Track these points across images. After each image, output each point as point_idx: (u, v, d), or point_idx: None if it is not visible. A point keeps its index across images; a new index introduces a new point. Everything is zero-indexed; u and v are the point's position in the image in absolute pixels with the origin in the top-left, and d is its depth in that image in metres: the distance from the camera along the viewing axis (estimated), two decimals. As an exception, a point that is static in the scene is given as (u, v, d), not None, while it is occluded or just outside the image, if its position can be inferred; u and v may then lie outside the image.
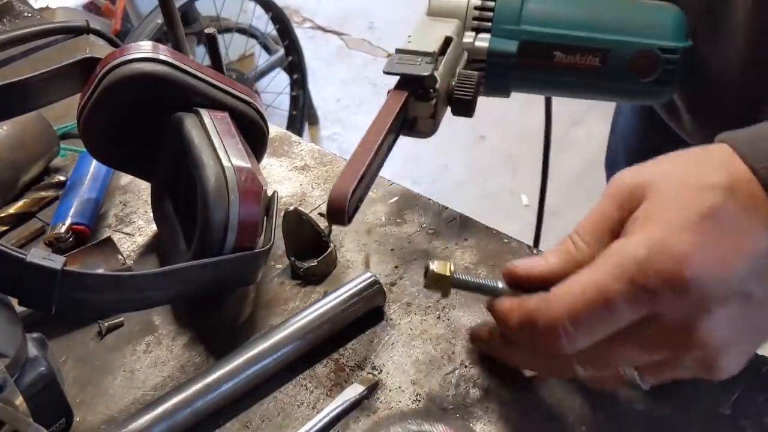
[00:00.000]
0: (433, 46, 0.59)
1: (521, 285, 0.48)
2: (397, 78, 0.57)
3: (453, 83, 0.59)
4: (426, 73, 0.55)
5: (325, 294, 0.58)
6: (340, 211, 0.47)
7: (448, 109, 0.60)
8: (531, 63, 0.63)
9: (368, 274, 0.57)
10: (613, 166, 0.99)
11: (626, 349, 0.43)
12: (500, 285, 0.49)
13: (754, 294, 0.42)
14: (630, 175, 0.45)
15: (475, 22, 0.63)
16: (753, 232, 0.41)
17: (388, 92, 0.57)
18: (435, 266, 0.49)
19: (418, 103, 0.57)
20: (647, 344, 0.43)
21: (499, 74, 0.64)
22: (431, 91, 0.56)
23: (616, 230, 0.45)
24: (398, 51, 0.59)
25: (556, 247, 0.47)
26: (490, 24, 0.63)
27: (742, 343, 0.43)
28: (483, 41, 0.63)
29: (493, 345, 0.53)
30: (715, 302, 0.41)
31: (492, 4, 0.63)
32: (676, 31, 0.61)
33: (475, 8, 0.63)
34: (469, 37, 0.63)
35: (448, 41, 0.61)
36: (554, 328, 0.43)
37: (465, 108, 0.59)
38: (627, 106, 0.92)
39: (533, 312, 0.44)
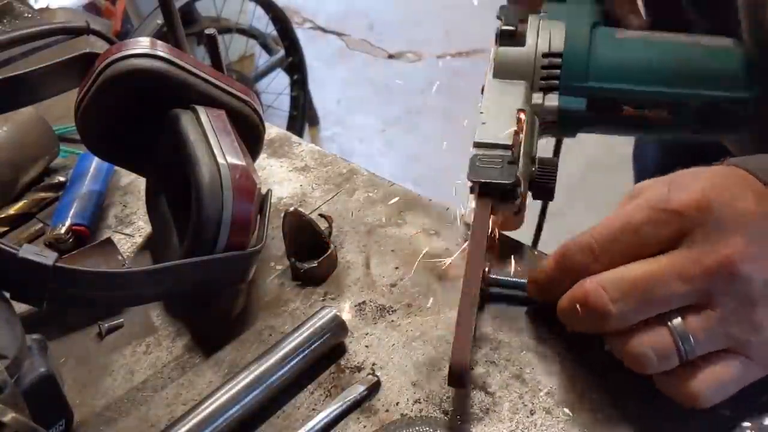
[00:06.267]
0: (508, 125, 0.58)
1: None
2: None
3: (534, 170, 0.59)
4: (510, 181, 0.55)
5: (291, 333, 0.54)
6: (463, 380, 0.49)
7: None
8: (600, 117, 0.63)
9: (328, 309, 0.55)
10: (642, 157, 0.99)
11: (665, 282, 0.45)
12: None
13: None
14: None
15: (543, 81, 0.63)
16: None
17: (472, 197, 0.57)
18: None
19: (504, 204, 0.57)
20: (683, 267, 0.45)
21: (569, 128, 0.65)
22: (516, 190, 0.56)
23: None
24: (476, 144, 0.58)
25: None
26: (557, 82, 0.62)
27: None
28: (552, 101, 0.62)
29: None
30: (740, 229, 0.44)
31: (559, 61, 0.62)
32: (744, 78, 0.60)
33: (542, 67, 0.62)
34: (537, 98, 0.62)
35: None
36: (584, 247, 0.48)
37: (547, 193, 0.60)
38: None
39: (564, 246, 0.50)
